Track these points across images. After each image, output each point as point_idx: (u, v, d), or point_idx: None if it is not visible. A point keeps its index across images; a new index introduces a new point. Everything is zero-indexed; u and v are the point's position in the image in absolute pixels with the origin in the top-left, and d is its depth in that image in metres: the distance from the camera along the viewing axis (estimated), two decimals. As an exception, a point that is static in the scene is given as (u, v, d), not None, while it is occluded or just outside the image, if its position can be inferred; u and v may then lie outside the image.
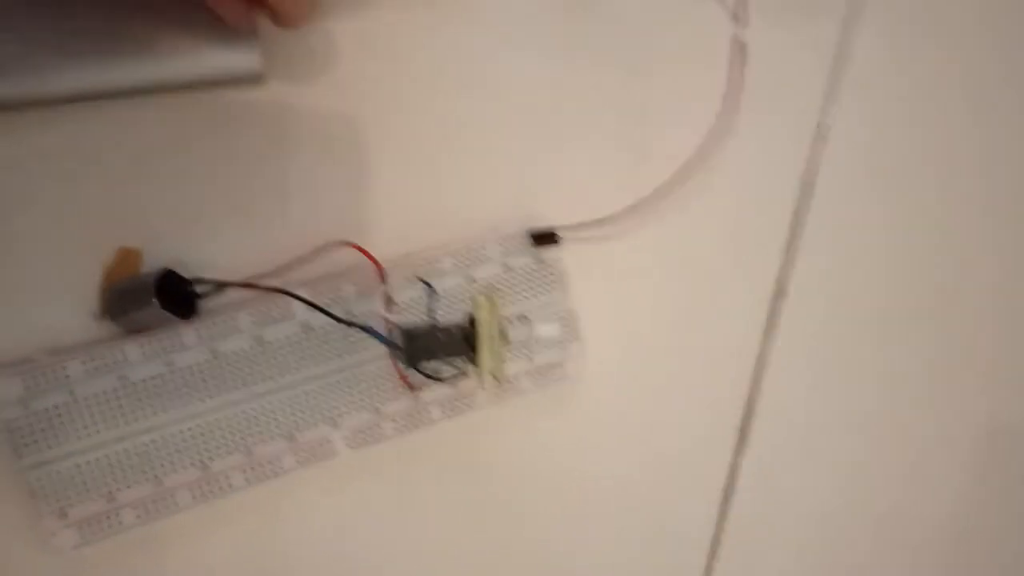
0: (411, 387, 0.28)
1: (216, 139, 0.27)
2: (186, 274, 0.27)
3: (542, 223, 0.30)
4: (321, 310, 0.26)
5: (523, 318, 0.29)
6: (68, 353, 0.25)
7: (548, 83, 0.31)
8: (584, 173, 0.31)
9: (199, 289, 0.26)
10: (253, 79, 0.26)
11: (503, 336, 0.26)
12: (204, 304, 0.27)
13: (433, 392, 0.28)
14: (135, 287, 0.26)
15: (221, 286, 0.26)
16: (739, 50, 0.25)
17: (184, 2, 0.22)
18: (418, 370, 0.27)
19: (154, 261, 0.27)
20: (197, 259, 0.27)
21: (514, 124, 0.30)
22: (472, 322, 0.26)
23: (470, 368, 0.26)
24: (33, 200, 0.26)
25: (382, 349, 0.27)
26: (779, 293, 0.33)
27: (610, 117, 0.31)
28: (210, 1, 0.23)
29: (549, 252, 0.30)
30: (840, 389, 0.34)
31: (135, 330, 0.26)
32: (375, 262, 0.27)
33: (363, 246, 0.28)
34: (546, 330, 0.28)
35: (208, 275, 0.27)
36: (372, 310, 0.27)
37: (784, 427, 0.33)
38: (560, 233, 0.30)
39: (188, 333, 0.26)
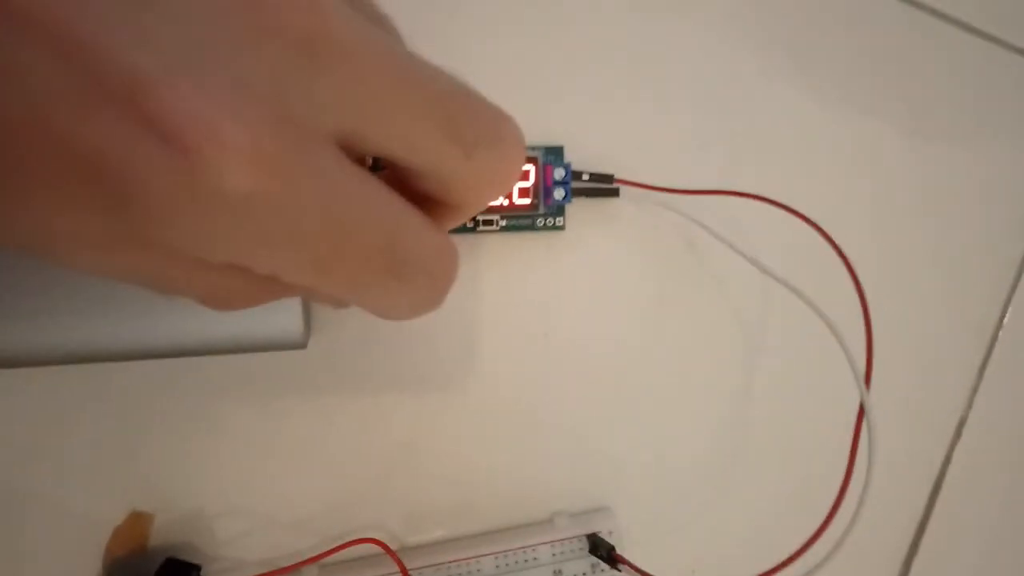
0: None
1: (247, 405, 0.24)
2: (193, 554, 0.24)
3: (606, 527, 0.26)
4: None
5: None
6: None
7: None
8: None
9: (204, 577, 0.23)
10: (294, 345, 0.23)
11: None
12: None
13: None
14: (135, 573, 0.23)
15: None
16: (864, 419, 0.20)
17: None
18: None
19: (166, 528, 0.24)
20: (210, 534, 0.24)
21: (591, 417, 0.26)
22: None
23: None
24: (51, 454, 0.23)
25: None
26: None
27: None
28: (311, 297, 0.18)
29: (610, 567, 0.25)
30: None
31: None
32: (401, 567, 0.24)
33: (392, 534, 0.25)
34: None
35: (218, 552, 0.24)
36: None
37: None
38: (624, 546, 0.25)
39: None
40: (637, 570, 0.24)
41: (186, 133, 0.11)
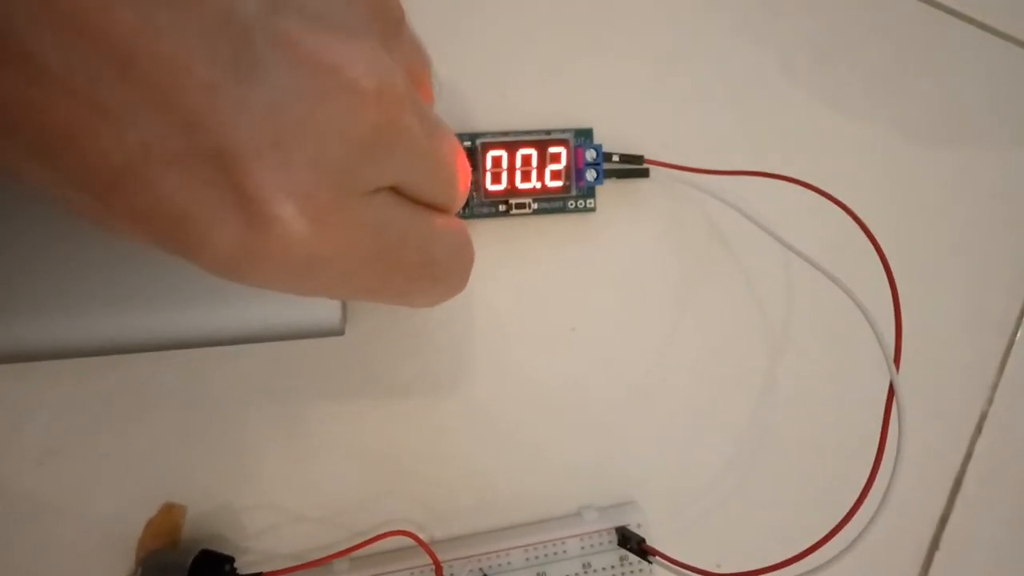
0: None
1: (278, 396, 0.24)
2: (224, 546, 0.24)
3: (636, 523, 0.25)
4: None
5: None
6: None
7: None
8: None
9: (238, 569, 0.23)
10: (332, 332, 0.23)
11: None
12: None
13: None
14: (169, 566, 0.23)
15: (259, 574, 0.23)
16: (894, 400, 0.21)
17: None
18: None
19: (197, 521, 0.24)
20: (241, 527, 0.24)
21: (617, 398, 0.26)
22: None
23: None
24: (82, 446, 0.23)
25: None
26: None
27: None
28: None
29: (640, 558, 0.25)
30: None
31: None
32: (434, 558, 0.23)
33: (420, 528, 0.25)
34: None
35: (249, 544, 0.24)
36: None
37: None
38: (650, 540, 0.25)
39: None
40: (669, 559, 0.24)
41: (266, 206, 0.12)
